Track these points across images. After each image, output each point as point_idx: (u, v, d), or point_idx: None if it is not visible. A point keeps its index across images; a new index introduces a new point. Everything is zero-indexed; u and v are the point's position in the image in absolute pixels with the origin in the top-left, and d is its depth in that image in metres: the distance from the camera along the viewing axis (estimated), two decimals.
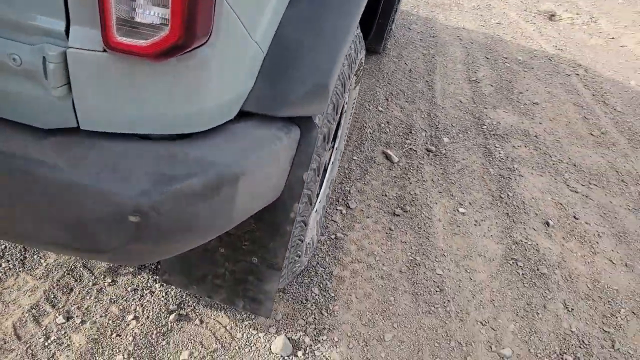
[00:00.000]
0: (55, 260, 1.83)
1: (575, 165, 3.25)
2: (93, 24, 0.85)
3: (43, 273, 1.78)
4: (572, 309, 2.13)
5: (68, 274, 1.79)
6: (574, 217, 2.73)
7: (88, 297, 1.72)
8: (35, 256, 1.83)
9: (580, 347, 1.96)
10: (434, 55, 4.45)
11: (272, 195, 1.22)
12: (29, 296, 1.69)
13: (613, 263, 2.46)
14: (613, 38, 6.40)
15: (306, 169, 1.23)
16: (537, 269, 2.29)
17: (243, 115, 1.13)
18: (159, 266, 1.88)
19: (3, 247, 1.83)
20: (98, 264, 1.84)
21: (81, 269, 1.82)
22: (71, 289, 1.74)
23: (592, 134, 3.73)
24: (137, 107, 0.96)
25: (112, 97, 0.93)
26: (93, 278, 1.80)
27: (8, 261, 1.80)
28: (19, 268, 1.78)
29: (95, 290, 1.75)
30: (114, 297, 1.74)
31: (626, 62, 5.64)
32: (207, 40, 0.89)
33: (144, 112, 0.97)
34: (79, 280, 1.78)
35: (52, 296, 1.71)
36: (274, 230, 1.31)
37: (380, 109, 3.40)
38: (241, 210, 1.11)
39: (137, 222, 0.95)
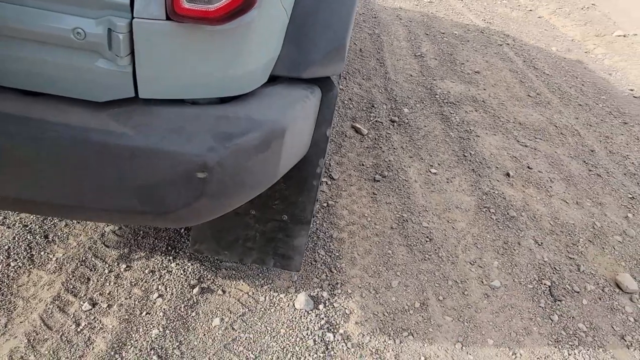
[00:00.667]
0: (64, 254, 1.83)
1: (520, 124, 3.60)
2: None
3: (55, 267, 1.78)
4: (541, 243, 2.41)
5: (81, 264, 1.80)
6: (528, 167, 3.05)
7: (107, 284, 1.75)
8: (42, 252, 1.82)
9: (553, 273, 2.24)
10: (379, 35, 4.67)
11: (303, 151, 1.33)
12: (47, 290, 1.69)
13: (567, 202, 2.79)
14: (530, 10, 6.97)
15: (329, 125, 1.36)
16: (507, 213, 2.56)
17: (272, 80, 1.24)
18: (172, 249, 1.93)
19: (7, 247, 1.80)
20: (109, 253, 1.86)
21: (93, 258, 1.83)
22: (88, 279, 1.76)
23: (529, 96, 4.11)
24: (192, 73, 1.04)
25: (172, 65, 1.01)
26: (107, 266, 1.82)
27: (16, 260, 1.77)
28: (29, 265, 1.76)
29: (113, 277, 1.78)
30: (134, 280, 1.78)
31: (545, 31, 6.18)
32: (257, 3, 0.99)
33: (197, 77, 1.06)
34: (93, 269, 1.80)
35: (72, 287, 1.71)
36: (303, 186, 1.42)
37: (340, 87, 3.56)
38: (284, 165, 1.22)
39: (204, 177, 1.03)
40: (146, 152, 1.01)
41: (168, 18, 0.94)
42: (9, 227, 1.87)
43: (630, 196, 2.98)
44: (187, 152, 1.02)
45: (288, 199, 1.45)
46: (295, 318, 1.75)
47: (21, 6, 0.93)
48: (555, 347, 1.87)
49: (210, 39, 1.00)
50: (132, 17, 0.94)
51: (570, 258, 2.37)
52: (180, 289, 1.77)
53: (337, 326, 1.76)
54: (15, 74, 1.01)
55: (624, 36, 6.19)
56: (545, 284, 2.16)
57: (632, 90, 4.81)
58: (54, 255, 1.81)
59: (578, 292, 2.16)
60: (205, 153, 1.02)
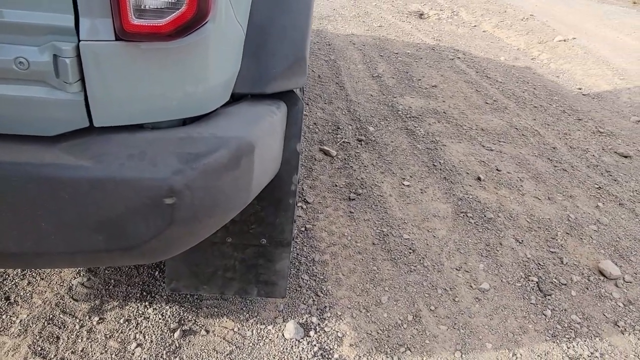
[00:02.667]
0: (28, 315, 1.69)
1: (483, 130, 3.67)
2: (103, 14, 0.88)
3: (20, 330, 1.63)
4: (522, 241, 2.41)
5: (49, 323, 1.66)
6: (497, 169, 3.08)
7: (80, 340, 1.62)
8: (3, 316, 1.67)
9: (538, 269, 2.23)
10: (335, 60, 4.74)
11: (275, 168, 1.28)
12: (12, 356, 1.54)
13: (539, 199, 2.82)
14: (475, 26, 7.28)
15: (298, 139, 1.32)
16: (484, 216, 2.56)
17: (235, 98, 1.20)
18: (147, 294, 1.81)
19: None
20: (79, 307, 1.73)
21: (61, 315, 1.70)
22: (58, 337, 1.62)
23: (487, 103, 4.22)
24: (148, 95, 0.99)
25: (126, 88, 0.95)
26: (78, 321, 1.68)
27: None
28: None
29: (85, 332, 1.65)
30: (108, 332, 1.65)
31: (492, 43, 6.45)
32: (209, 16, 0.96)
33: (155, 99, 1.00)
34: (63, 327, 1.66)
35: (39, 349, 1.57)
36: (279, 205, 1.37)
37: (304, 113, 3.56)
38: (257, 183, 1.17)
39: (172, 203, 0.97)
40: (105, 182, 0.94)
41: (117, 38, 0.90)
42: None
43: (597, 186, 3.05)
44: (151, 177, 0.95)
45: (265, 221, 1.38)
46: (287, 349, 1.66)
47: None
48: (554, 342, 1.83)
49: (164, 58, 0.96)
50: (79, 40, 0.88)
51: (552, 252, 2.37)
52: (160, 334, 1.65)
53: (331, 351, 1.67)
54: None
55: (565, 40, 6.52)
56: (532, 281, 2.14)
57: (580, 89, 5.03)
58: (17, 318, 1.67)
59: (565, 285, 2.15)
60: (171, 176, 0.95)
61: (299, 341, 1.68)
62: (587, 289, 2.15)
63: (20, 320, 1.66)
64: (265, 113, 1.20)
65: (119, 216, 0.96)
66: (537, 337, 1.84)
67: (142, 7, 0.87)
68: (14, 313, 1.69)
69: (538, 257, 2.31)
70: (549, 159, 3.35)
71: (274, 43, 1.22)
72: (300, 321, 1.77)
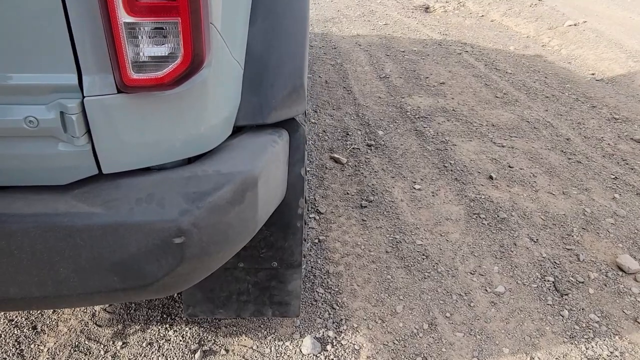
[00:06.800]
0: (55, 343, 1.75)
1: (493, 125, 3.64)
2: (104, 70, 0.92)
3: (48, 358, 1.70)
4: (536, 240, 2.40)
5: (75, 350, 1.73)
6: (509, 166, 3.06)
7: None
8: (31, 345, 1.74)
9: (555, 268, 2.22)
10: (342, 64, 4.75)
11: (281, 194, 1.31)
12: None
13: (554, 194, 2.80)
14: (482, 16, 7.20)
15: (302, 164, 1.35)
16: (498, 216, 2.55)
17: (236, 131, 1.23)
18: (167, 316, 1.87)
19: None
20: (102, 332, 1.79)
21: (86, 342, 1.76)
22: None
23: (497, 97, 4.18)
24: (153, 140, 1.03)
25: (131, 136, 0.99)
26: (102, 347, 1.75)
27: (5, 359, 1.69)
28: None
29: (109, 357, 1.71)
30: (132, 356, 1.71)
31: (500, 33, 6.37)
32: (205, 63, 0.99)
33: (159, 143, 1.04)
34: (88, 353, 1.72)
35: None
36: (287, 230, 1.40)
37: (313, 121, 3.58)
38: (263, 212, 1.20)
39: (181, 242, 1.00)
40: (117, 227, 0.98)
41: (119, 91, 0.93)
42: None
43: (614, 177, 3.01)
44: (159, 219, 0.99)
45: (275, 246, 1.42)
46: None
47: None
48: (572, 343, 1.83)
49: (166, 104, 0.99)
50: (83, 96, 0.92)
51: (568, 249, 2.35)
52: (182, 356, 1.70)
53: None
54: None
55: (575, 25, 6.40)
56: (549, 281, 2.13)
57: (593, 74, 4.94)
58: (44, 346, 1.74)
59: (582, 282, 2.14)
60: (178, 217, 0.99)
61: (316, 356, 1.72)
62: (605, 285, 2.13)
63: (48, 349, 1.73)
64: (267, 143, 1.23)
65: (132, 257, 1.00)
66: (554, 339, 1.84)
67: (139, 62, 0.90)
68: (41, 342, 1.76)
69: (554, 256, 2.30)
70: (562, 151, 3.32)
71: (272, 73, 1.25)
72: (317, 335, 1.80)
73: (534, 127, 3.66)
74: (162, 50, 0.91)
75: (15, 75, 0.90)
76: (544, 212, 2.63)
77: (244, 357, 1.71)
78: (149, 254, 1.00)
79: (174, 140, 1.06)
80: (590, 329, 1.90)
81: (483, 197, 2.72)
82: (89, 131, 0.96)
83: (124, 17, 0.85)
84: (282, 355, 1.72)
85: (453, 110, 3.85)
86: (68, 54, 0.89)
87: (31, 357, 1.70)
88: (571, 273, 2.19)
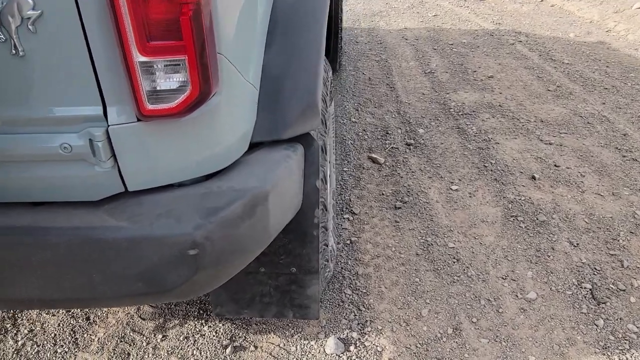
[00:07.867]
0: (105, 333, 1.94)
1: (542, 121, 3.51)
2: (125, 102, 1.03)
3: (98, 347, 1.89)
4: (577, 244, 2.31)
5: (121, 341, 1.91)
6: (555, 165, 2.95)
7: (146, 356, 1.84)
8: (85, 335, 1.95)
9: (594, 274, 2.14)
10: (387, 60, 4.73)
11: (295, 207, 1.39)
12: None
13: (602, 195, 2.68)
14: (542, 1, 6.84)
15: (317, 177, 1.41)
16: (537, 219, 2.48)
17: (253, 146, 1.31)
18: (203, 312, 2.01)
19: (53, 335, 1.94)
20: (145, 325, 1.96)
21: (131, 333, 1.94)
22: (128, 354, 1.86)
23: (549, 90, 4.01)
24: (172, 162, 1.14)
25: (151, 158, 1.11)
26: (145, 338, 1.91)
27: (62, 346, 1.90)
28: (75, 349, 1.89)
29: (150, 348, 1.87)
30: (170, 349, 1.86)
31: (560, 19, 6.04)
32: (214, 91, 1.08)
33: (178, 163, 1.15)
34: (132, 344, 1.90)
35: None
36: (304, 238, 1.47)
37: (353, 120, 3.62)
38: (275, 224, 1.28)
39: (195, 254, 1.11)
40: (140, 240, 1.10)
41: (138, 120, 1.05)
42: (53, 315, 2.02)
43: None
44: (176, 233, 1.10)
45: (293, 253, 1.50)
46: None
47: (13, 135, 1.06)
48: (604, 354, 1.77)
49: (181, 129, 1.09)
50: (108, 125, 1.04)
51: (612, 255, 2.26)
52: (214, 350, 1.83)
53: None
54: (20, 190, 1.14)
55: None
56: (585, 288, 2.06)
57: None
58: (95, 336, 1.93)
59: (624, 290, 2.05)
60: (192, 231, 1.09)
61: (339, 356, 1.79)
62: None
63: (98, 339, 1.93)
64: (281, 159, 1.30)
65: (154, 267, 1.12)
66: (585, 349, 1.79)
67: (154, 95, 1.01)
68: (93, 332, 1.95)
69: (595, 261, 2.21)
70: (617, 148, 3.15)
71: (287, 91, 1.32)
72: (340, 336, 1.87)
73: (588, 122, 3.49)
74: (173, 84, 1.01)
75: (55, 109, 1.04)
76: (589, 214, 2.52)
77: (271, 354, 1.81)
78: (168, 264, 1.12)
79: (190, 161, 1.16)
80: (626, 339, 1.83)
81: (523, 198, 2.65)
82: (114, 155, 1.08)
83: (138, 57, 0.96)
84: (307, 354, 1.81)
85: (499, 105, 3.74)
86: (94, 89, 1.02)
87: (84, 346, 1.90)
88: (612, 280, 2.11)
